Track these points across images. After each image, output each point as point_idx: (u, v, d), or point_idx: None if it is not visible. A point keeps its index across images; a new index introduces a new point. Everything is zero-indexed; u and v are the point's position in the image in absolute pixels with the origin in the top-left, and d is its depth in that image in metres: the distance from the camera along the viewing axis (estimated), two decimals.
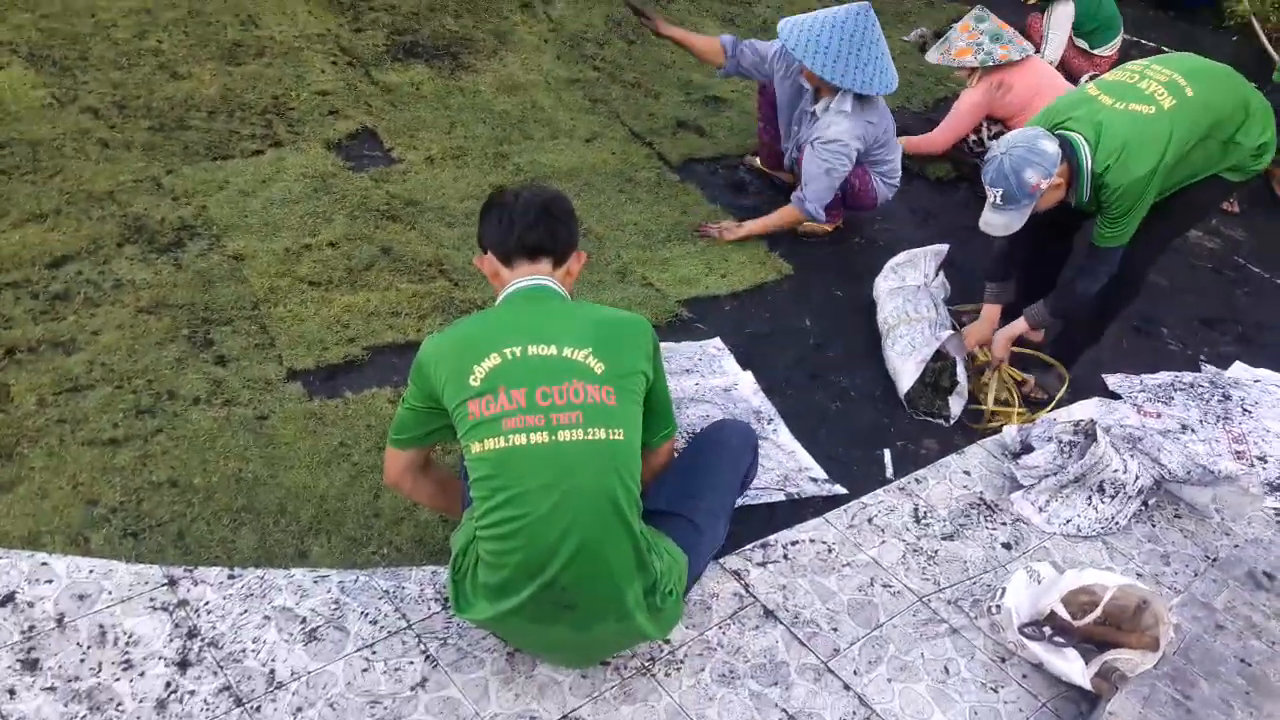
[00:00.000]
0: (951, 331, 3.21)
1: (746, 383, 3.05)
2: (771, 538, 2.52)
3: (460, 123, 4.01)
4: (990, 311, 3.24)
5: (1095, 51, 5.30)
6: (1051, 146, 2.73)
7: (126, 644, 1.95)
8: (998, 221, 2.83)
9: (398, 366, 2.76)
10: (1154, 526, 2.78)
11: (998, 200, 2.79)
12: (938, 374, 3.13)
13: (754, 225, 3.69)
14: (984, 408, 3.18)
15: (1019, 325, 3.14)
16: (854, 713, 2.11)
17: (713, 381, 3.02)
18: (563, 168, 3.87)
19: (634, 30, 5.15)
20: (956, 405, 3.11)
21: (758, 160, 4.17)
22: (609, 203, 3.74)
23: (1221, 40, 7.40)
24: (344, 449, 2.49)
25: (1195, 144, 2.78)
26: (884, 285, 3.50)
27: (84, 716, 1.81)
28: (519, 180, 3.69)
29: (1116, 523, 2.73)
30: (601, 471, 1.83)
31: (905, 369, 3.11)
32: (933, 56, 4.41)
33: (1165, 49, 6.38)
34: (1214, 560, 2.69)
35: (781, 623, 2.29)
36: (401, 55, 4.34)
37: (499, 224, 1.99)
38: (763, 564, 2.44)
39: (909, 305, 3.31)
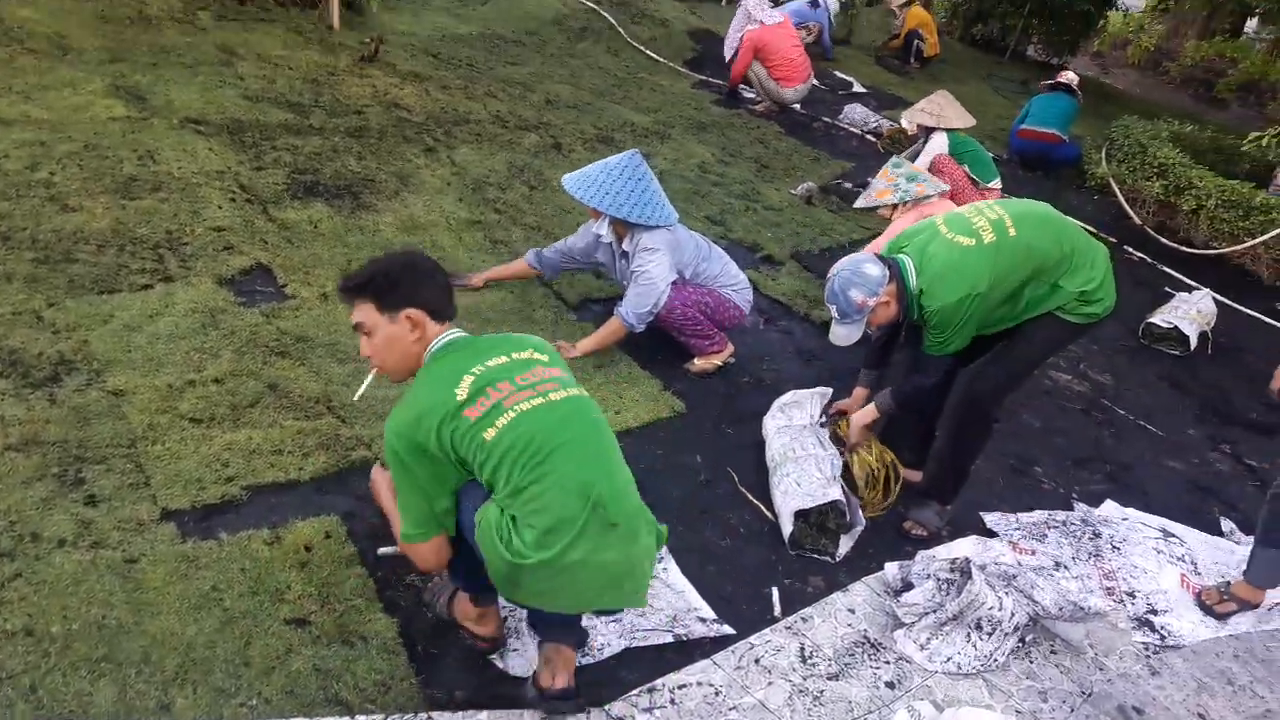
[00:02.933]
0: (840, 488, 3.28)
1: None
2: (659, 681, 2.50)
3: (357, 260, 4.04)
4: (858, 392, 3.60)
5: (985, 184, 5.73)
6: (875, 270, 3.04)
7: None
8: (840, 333, 3.17)
9: (277, 507, 2.70)
10: (1031, 663, 2.85)
11: (835, 315, 3.13)
12: (824, 515, 3.20)
13: (587, 343, 3.84)
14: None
15: (870, 411, 3.36)
16: None
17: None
18: (461, 305, 3.89)
19: (535, 177, 5.34)
20: (845, 545, 3.18)
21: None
22: None
23: (1085, 199, 8.03)
24: (215, 593, 2.39)
25: (1023, 282, 3.03)
26: (771, 424, 3.60)
27: None
28: None
29: (995, 659, 2.79)
30: (593, 413, 2.31)
31: (787, 509, 3.17)
32: (860, 203, 4.74)
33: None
34: (1088, 695, 2.75)
35: None
36: (301, 194, 4.40)
37: (436, 286, 2.28)
38: (649, 709, 2.40)
39: (795, 443, 3.41)
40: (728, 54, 8.32)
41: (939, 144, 5.79)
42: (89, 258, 3.54)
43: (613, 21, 8.84)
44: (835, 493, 3.16)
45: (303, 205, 4.31)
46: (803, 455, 3.33)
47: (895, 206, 4.65)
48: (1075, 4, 12.94)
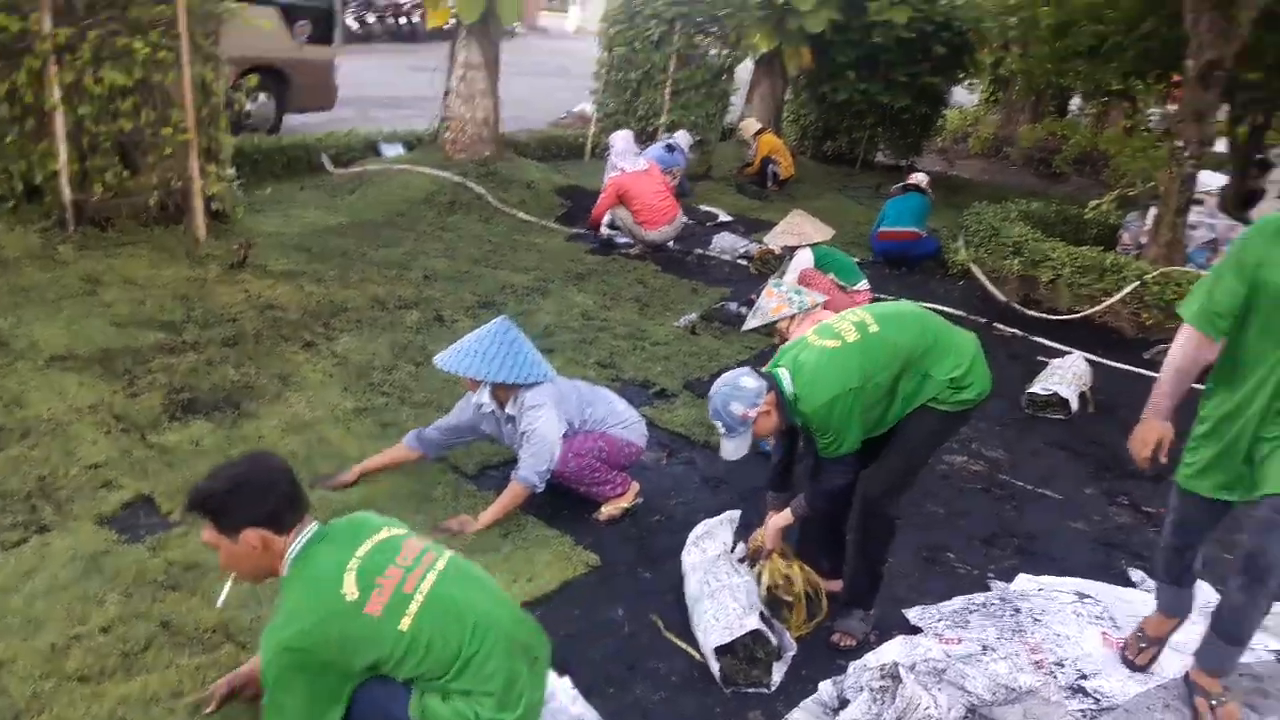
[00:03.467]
0: (759, 615, 3.27)
1: (564, 691, 2.98)
2: None
3: None
4: (771, 519, 3.51)
5: (852, 287, 5.97)
6: (751, 382, 3.18)
7: None
8: (728, 447, 3.25)
9: None
10: None
11: (722, 431, 3.23)
12: (750, 647, 3.18)
13: (489, 514, 3.82)
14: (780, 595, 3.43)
15: (785, 516, 3.40)
16: None
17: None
18: (353, 500, 3.86)
19: (419, 353, 5.38)
20: (778, 672, 3.15)
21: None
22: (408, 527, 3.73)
23: (950, 286, 8.44)
24: None
25: (895, 376, 3.18)
26: (687, 560, 3.60)
27: None
28: None
29: None
30: (471, 566, 2.47)
31: (709, 647, 3.15)
32: (751, 323, 4.93)
33: (903, 298, 7.20)
34: None
35: None
36: (180, 414, 4.33)
37: (274, 498, 2.25)
38: None
39: (709, 576, 3.40)
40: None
41: (804, 259, 6.07)
42: None
43: (481, 191, 9.10)
44: (752, 622, 3.15)
45: (182, 425, 4.24)
46: (718, 587, 3.32)
47: (793, 318, 4.89)
48: (913, 109, 13.87)
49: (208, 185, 6.71)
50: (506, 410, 3.89)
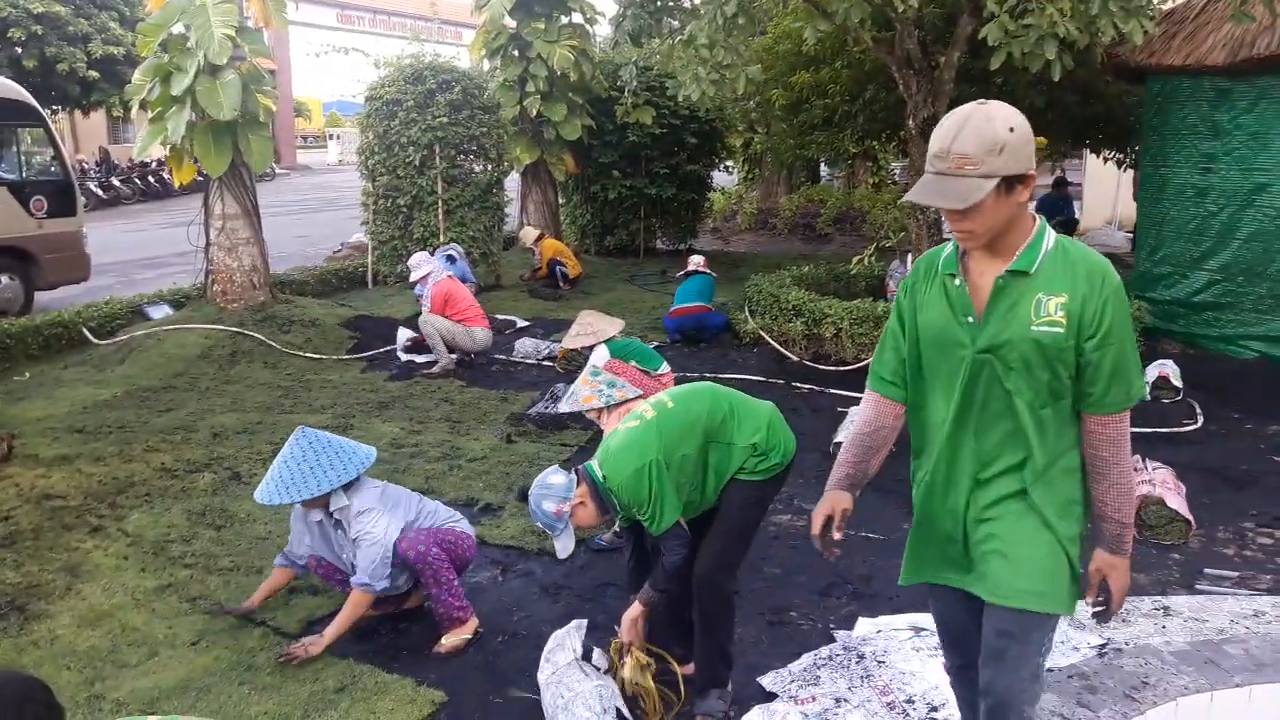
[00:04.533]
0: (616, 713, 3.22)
1: None
2: None
3: (42, 677, 3.55)
4: (624, 615, 3.46)
5: (656, 373, 6.08)
6: (559, 479, 3.28)
7: None
8: (559, 546, 3.31)
9: None
10: None
11: (546, 531, 3.31)
12: None
13: (332, 628, 3.75)
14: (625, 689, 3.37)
15: (636, 607, 3.39)
16: None
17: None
18: (170, 684, 3.54)
19: (219, 515, 5.06)
20: None
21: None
22: (230, 701, 3.45)
23: (745, 354, 8.80)
24: None
25: (700, 447, 3.29)
26: (541, 678, 3.49)
27: None
28: (120, 715, 3.31)
29: None
30: None
31: None
32: (564, 407, 4.93)
33: (706, 375, 7.45)
34: None
35: None
36: None
37: (49, 709, 1.94)
38: None
39: (562, 688, 3.32)
40: (417, 293, 8.71)
41: (600, 355, 6.14)
42: None
43: (261, 338, 8.78)
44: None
45: None
46: (571, 698, 3.24)
47: (601, 411, 4.96)
48: (680, 196, 14.60)
49: None
50: (333, 515, 3.81)
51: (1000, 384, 2.23)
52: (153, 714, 3.34)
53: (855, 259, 9.59)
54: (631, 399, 4.98)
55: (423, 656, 3.81)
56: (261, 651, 3.80)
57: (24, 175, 10.97)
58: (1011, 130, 2.07)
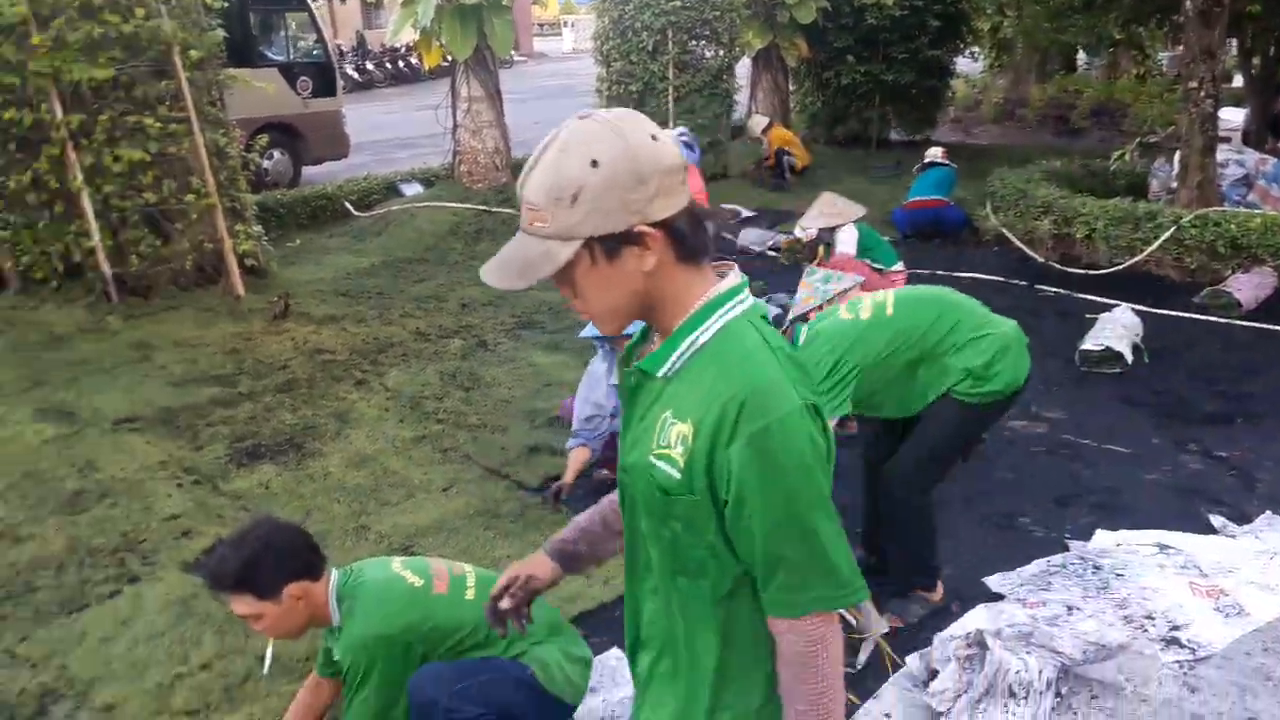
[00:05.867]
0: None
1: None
2: None
3: (316, 507, 4.05)
4: None
5: (889, 269, 5.95)
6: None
7: None
8: None
9: None
10: (1075, 714, 2.81)
11: None
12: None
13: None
14: None
15: None
16: None
17: (618, 694, 2.97)
18: (425, 524, 3.92)
19: (468, 378, 5.44)
20: (864, 652, 3.14)
21: (609, 471, 4.34)
22: (477, 544, 3.78)
23: (985, 254, 8.38)
24: None
25: (910, 362, 3.14)
26: None
27: None
28: (383, 550, 3.70)
29: None
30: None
31: None
32: (792, 314, 5.03)
33: (939, 274, 7.20)
34: None
35: None
36: (246, 460, 4.42)
37: (299, 549, 2.34)
38: None
39: None
40: None
41: (849, 237, 6.00)
42: (50, 582, 3.49)
43: (508, 212, 9.21)
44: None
45: (250, 472, 4.33)
46: None
47: (820, 307, 4.98)
48: (919, 84, 13.83)
49: (238, 244, 6.84)
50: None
51: (635, 522, 1.50)
52: (410, 549, 3.72)
53: (1115, 154, 8.84)
54: (848, 289, 4.89)
55: None
56: (505, 502, 4.12)
57: (291, 57, 11.81)
58: (595, 166, 1.30)
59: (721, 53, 11.95)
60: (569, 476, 4.06)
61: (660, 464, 1.38)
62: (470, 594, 2.45)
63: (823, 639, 1.38)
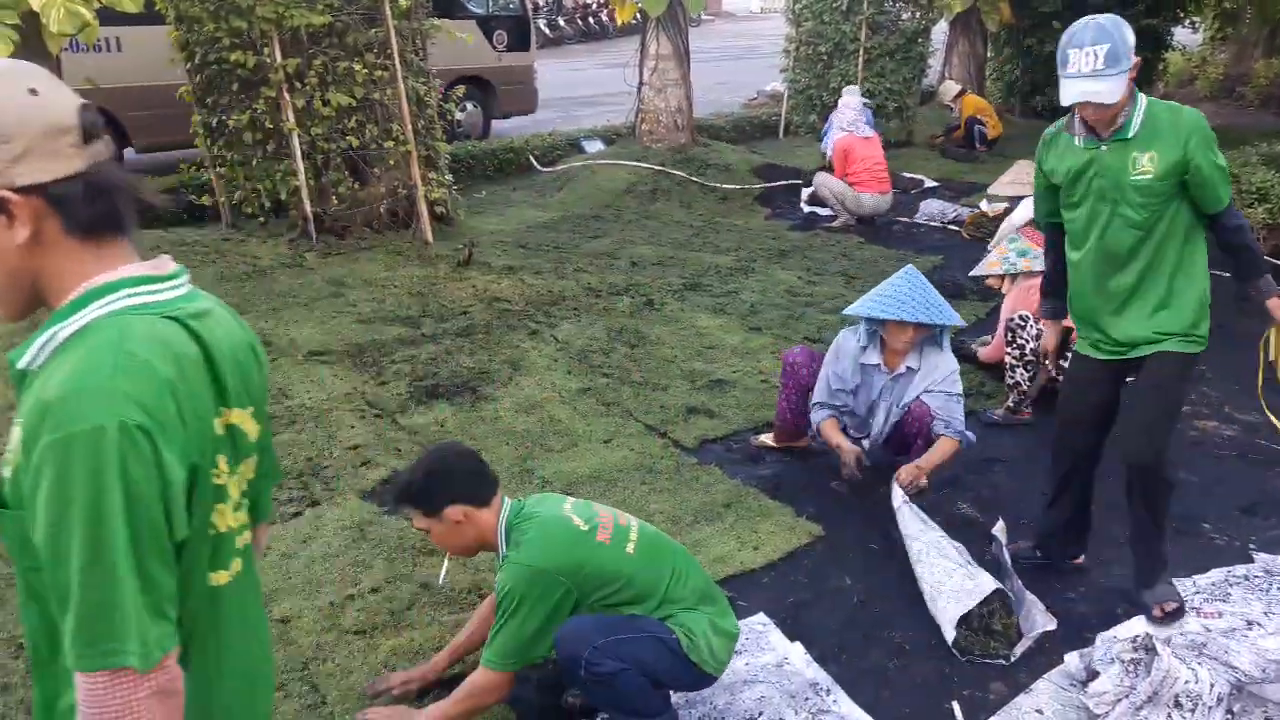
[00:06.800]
0: (994, 582, 3.17)
1: (797, 655, 3.03)
2: None
3: (484, 448, 4.23)
4: (1048, 328, 3.57)
5: None
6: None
7: None
8: (1102, 87, 2.82)
9: None
10: None
11: (1097, 64, 2.81)
12: (987, 618, 3.10)
13: (928, 461, 3.68)
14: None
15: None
16: None
17: (762, 659, 3.00)
18: (585, 473, 4.05)
19: (634, 336, 5.54)
20: (1021, 647, 3.05)
21: (765, 438, 4.37)
22: (633, 496, 3.88)
23: None
24: None
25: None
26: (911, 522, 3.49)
27: None
28: (545, 490, 3.84)
29: None
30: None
31: (943, 616, 3.08)
32: (975, 270, 5.01)
33: None
34: None
35: None
36: (424, 398, 4.67)
37: (466, 477, 2.50)
38: None
39: (921, 536, 3.33)
40: (821, 148, 9.09)
41: (1025, 210, 5.78)
42: None
43: (684, 175, 9.25)
44: (986, 583, 3.06)
45: (427, 409, 4.58)
46: (928, 545, 3.26)
47: (1003, 278, 4.87)
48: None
49: (430, 191, 7.16)
50: (907, 363, 3.84)
51: None
52: (570, 495, 3.85)
53: None
54: (1038, 272, 4.70)
55: (803, 491, 3.99)
56: (661, 459, 4.20)
57: (490, 10, 12.16)
58: None
59: (919, 15, 11.53)
60: (844, 446, 3.85)
61: (3, 470, 1.23)
62: (631, 548, 2.52)
63: (105, 706, 1.14)
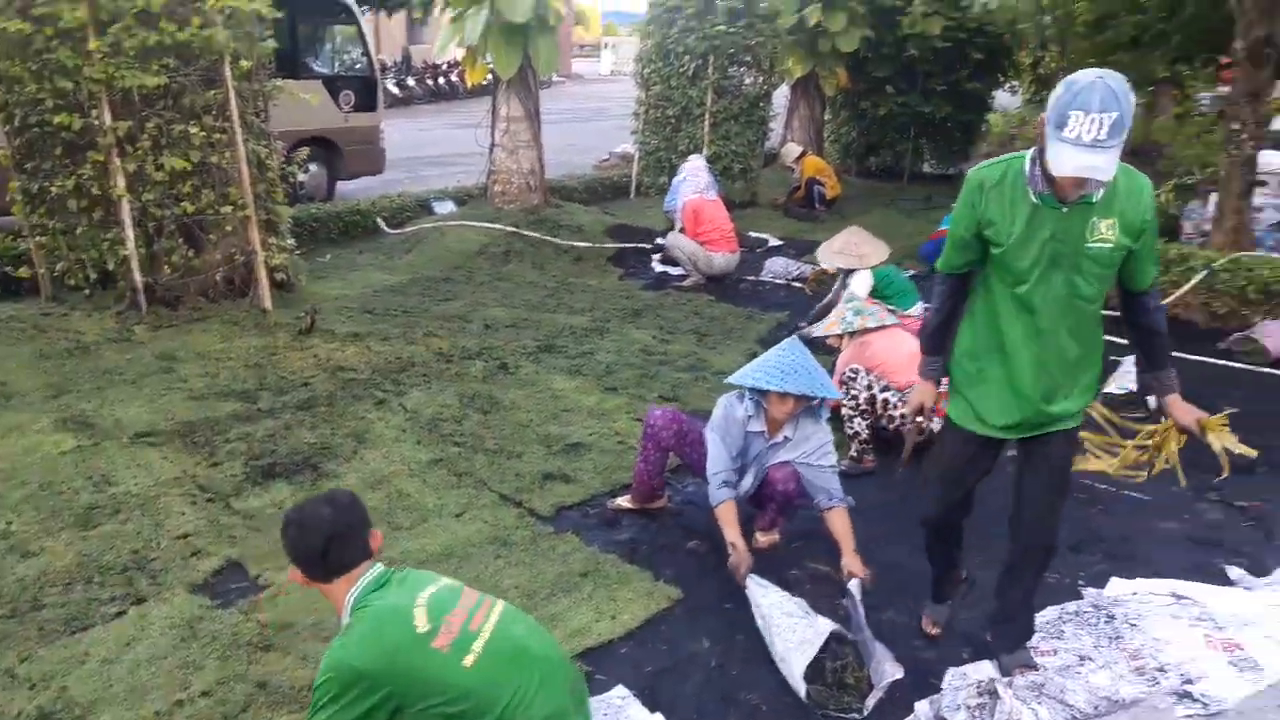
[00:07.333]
0: (830, 624, 3.25)
1: None
2: None
3: None
4: (924, 388, 3.18)
5: (905, 312, 5.90)
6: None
7: None
8: (1100, 160, 2.50)
9: None
10: None
11: (1100, 134, 2.48)
12: (839, 672, 3.14)
13: (847, 542, 3.63)
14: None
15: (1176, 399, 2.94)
16: None
17: None
18: (435, 550, 3.92)
19: (487, 402, 5.45)
20: (873, 698, 3.09)
21: (622, 501, 4.35)
22: (487, 572, 3.77)
23: None
24: None
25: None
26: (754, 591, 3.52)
27: None
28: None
29: None
30: (532, 621, 2.59)
31: (795, 671, 3.11)
32: (815, 331, 5.12)
33: None
34: None
35: None
36: (260, 479, 4.44)
37: (302, 547, 2.39)
38: None
39: (779, 606, 3.37)
40: (666, 208, 9.27)
41: (863, 283, 5.99)
42: (57, 599, 3.51)
43: (538, 235, 9.25)
44: (824, 626, 3.13)
45: (264, 490, 4.35)
46: (772, 608, 3.32)
47: (842, 336, 5.07)
48: (956, 117, 13.78)
49: (270, 257, 6.91)
50: (786, 430, 3.86)
51: None
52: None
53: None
54: (873, 329, 4.95)
55: (660, 553, 3.98)
56: (517, 530, 4.11)
57: (335, 70, 11.98)
58: None
59: (761, 79, 12.00)
60: (739, 547, 3.63)
61: None
62: (470, 660, 2.29)
63: None
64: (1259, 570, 3.85)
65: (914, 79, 13.38)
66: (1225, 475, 3.26)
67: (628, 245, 9.41)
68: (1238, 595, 3.63)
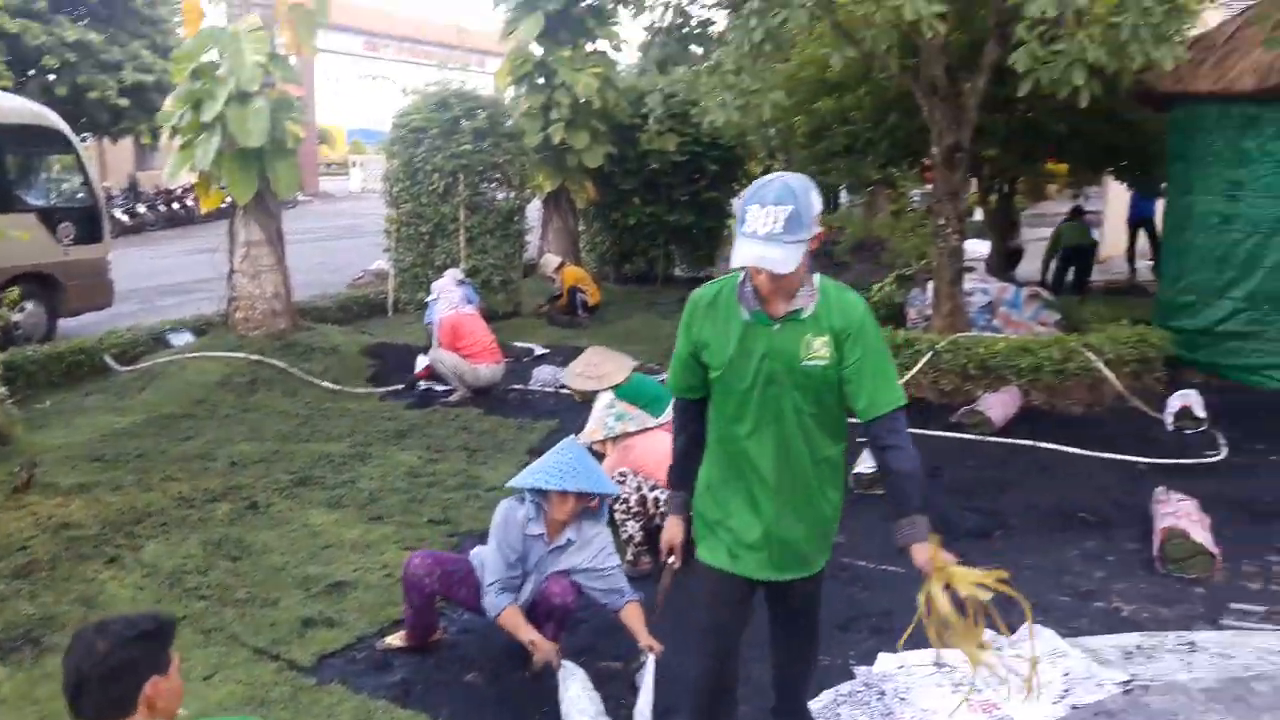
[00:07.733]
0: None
1: None
2: None
3: (50, 713, 3.55)
4: (673, 523, 3.09)
5: (656, 421, 5.99)
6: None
7: None
8: (778, 254, 2.52)
9: None
10: None
11: (776, 227, 2.52)
12: None
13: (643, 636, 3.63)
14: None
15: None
16: None
17: None
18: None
19: (236, 546, 5.04)
20: None
21: (394, 639, 4.10)
22: None
23: None
24: None
25: None
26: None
27: None
28: None
29: None
30: None
31: None
32: (580, 439, 5.09)
33: None
34: None
35: None
36: None
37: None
38: None
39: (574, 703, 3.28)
40: (426, 322, 9.14)
41: (603, 402, 5.90)
42: None
43: (283, 365, 8.80)
44: None
45: None
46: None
47: (605, 441, 5.14)
48: (699, 224, 14.62)
49: None
50: (568, 534, 3.80)
51: None
52: None
53: (875, 286, 9.54)
54: (634, 433, 5.07)
55: (439, 689, 3.76)
56: (275, 686, 3.76)
57: (52, 201, 11.11)
58: None
59: (513, 195, 12.23)
60: (538, 641, 3.66)
61: None
62: None
63: None
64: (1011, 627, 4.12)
65: (658, 190, 14.12)
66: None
67: (380, 390, 8.73)
68: (989, 657, 3.85)
